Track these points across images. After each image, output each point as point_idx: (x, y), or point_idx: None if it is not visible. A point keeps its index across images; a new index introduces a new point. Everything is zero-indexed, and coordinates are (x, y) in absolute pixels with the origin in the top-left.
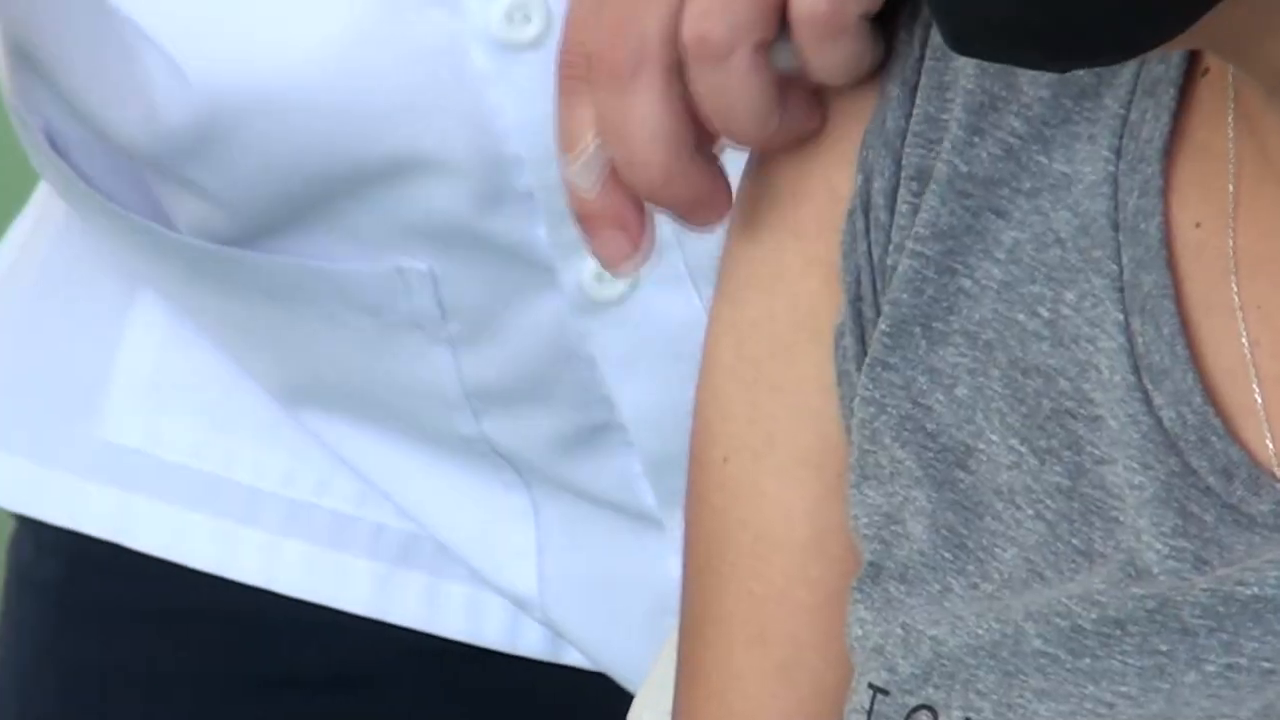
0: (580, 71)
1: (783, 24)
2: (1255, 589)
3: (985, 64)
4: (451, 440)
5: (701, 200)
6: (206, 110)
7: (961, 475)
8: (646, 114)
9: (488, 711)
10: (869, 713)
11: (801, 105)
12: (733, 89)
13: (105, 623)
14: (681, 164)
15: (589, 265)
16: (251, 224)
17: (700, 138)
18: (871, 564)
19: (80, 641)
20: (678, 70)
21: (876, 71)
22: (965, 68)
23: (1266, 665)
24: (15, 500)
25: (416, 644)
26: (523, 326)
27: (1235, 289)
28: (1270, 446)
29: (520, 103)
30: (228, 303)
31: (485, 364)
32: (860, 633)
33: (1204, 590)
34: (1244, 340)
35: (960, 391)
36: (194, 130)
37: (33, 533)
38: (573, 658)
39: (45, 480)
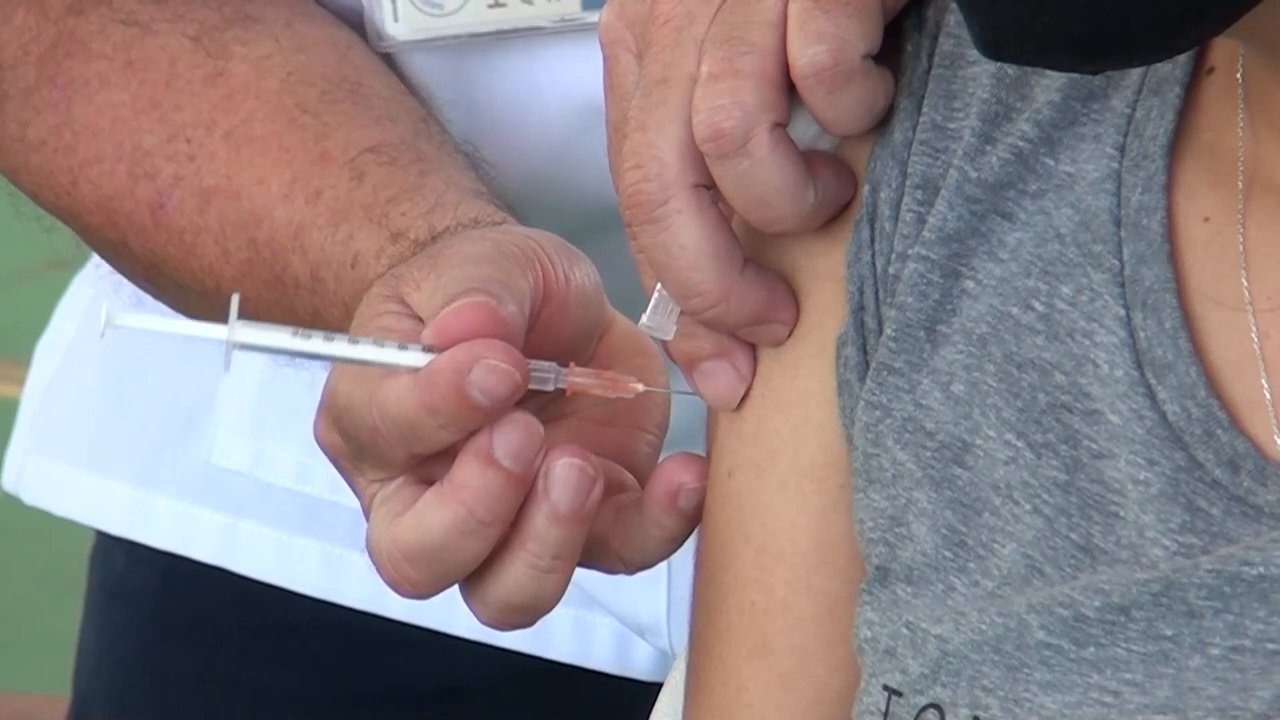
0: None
1: (792, 97)
2: (1261, 568)
3: (1001, 74)
4: None
5: (763, 314)
6: None
7: (959, 472)
8: (685, 241)
9: None
10: (884, 714)
11: (833, 175)
12: (760, 174)
13: (204, 635)
14: (732, 280)
15: None
16: None
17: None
18: (879, 568)
19: (178, 653)
20: (705, 189)
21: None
22: (979, 77)
23: (1272, 647)
24: (119, 524)
25: (524, 661)
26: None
27: (1245, 282)
28: (1278, 436)
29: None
30: None
31: None
32: (869, 634)
33: (1209, 571)
34: (1253, 333)
35: (957, 388)
36: None
37: (124, 544)
38: None
39: (150, 504)
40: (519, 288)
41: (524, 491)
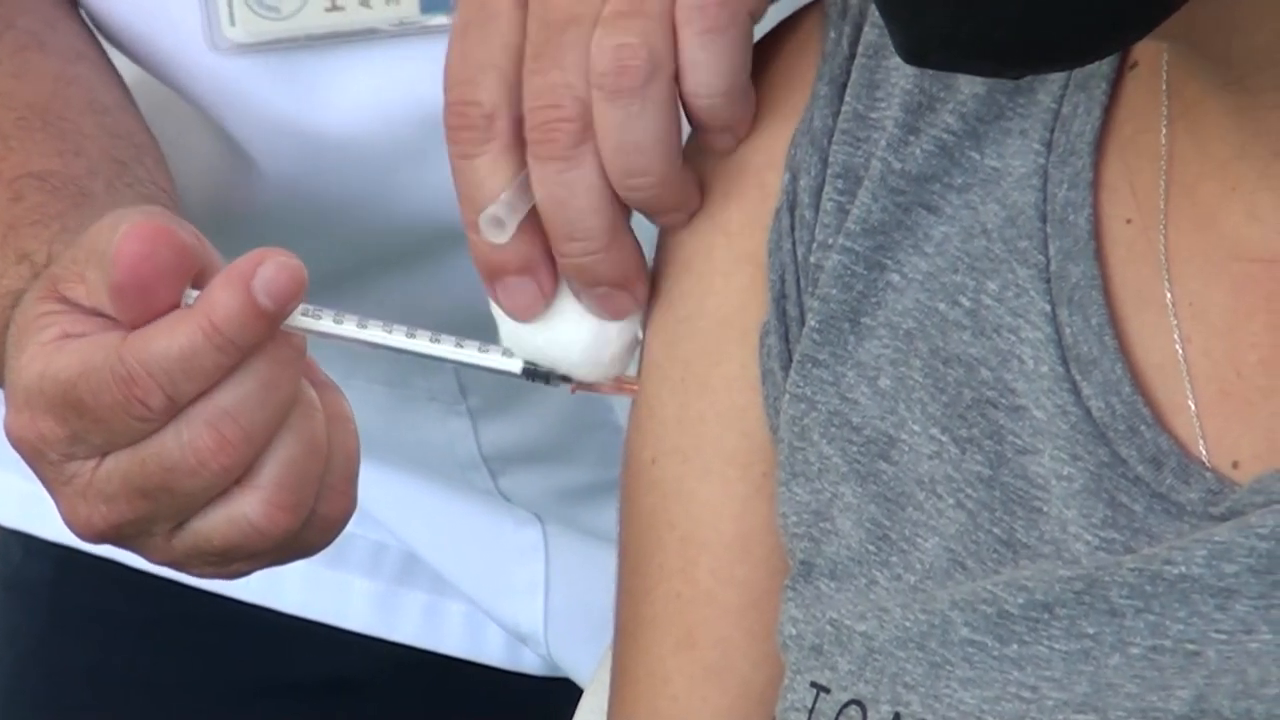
0: (477, 126)
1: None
2: (1183, 568)
3: None
4: (464, 489)
5: (629, 277)
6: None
7: (884, 467)
8: (595, 181)
9: (487, 718)
10: (811, 711)
11: (692, 179)
12: (648, 120)
13: (98, 627)
14: (618, 235)
15: None
16: None
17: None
18: (803, 563)
19: (72, 645)
20: None
21: (810, 71)
22: (902, 67)
23: (1191, 648)
24: (11, 516)
25: (416, 654)
26: (546, 401)
27: (1167, 286)
28: (1201, 440)
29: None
30: None
31: (504, 432)
32: (794, 632)
33: (1131, 570)
34: (1176, 337)
35: (883, 382)
36: (260, 206)
37: (22, 537)
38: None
39: (44, 497)
40: (182, 222)
41: (268, 332)
